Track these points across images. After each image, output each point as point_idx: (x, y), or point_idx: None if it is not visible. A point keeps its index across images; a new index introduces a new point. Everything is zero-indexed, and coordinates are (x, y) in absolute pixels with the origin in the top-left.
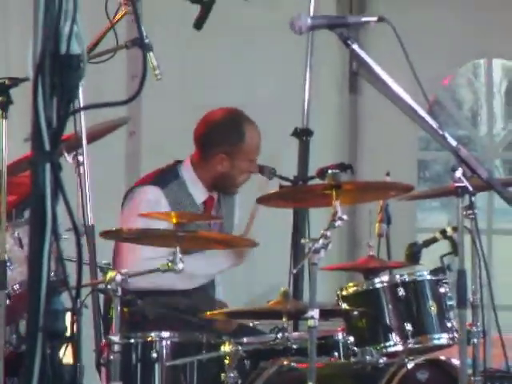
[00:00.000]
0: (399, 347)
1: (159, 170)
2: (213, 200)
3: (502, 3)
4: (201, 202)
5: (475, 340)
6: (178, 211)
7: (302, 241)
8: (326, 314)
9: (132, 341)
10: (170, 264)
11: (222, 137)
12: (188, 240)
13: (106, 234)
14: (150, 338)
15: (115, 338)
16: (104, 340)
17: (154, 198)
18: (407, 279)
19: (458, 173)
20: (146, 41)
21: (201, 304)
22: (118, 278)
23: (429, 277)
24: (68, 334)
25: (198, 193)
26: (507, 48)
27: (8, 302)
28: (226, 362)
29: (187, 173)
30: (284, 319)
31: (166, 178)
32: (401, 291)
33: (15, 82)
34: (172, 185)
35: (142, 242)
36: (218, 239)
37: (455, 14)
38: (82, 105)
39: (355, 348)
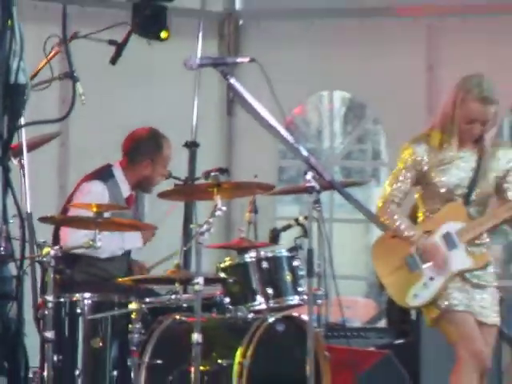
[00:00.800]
0: (263, 306)
1: (98, 169)
2: (132, 196)
3: (339, 46)
4: (125, 197)
5: (319, 301)
6: (99, 203)
7: (191, 226)
8: (208, 281)
9: (62, 300)
10: (91, 242)
11: (147, 148)
12: (105, 224)
13: (43, 219)
14: (75, 298)
15: (49, 298)
16: (40, 299)
17: (100, 190)
18: (269, 255)
19: (309, 176)
20: (75, 74)
21: (116, 271)
22: (52, 252)
23: (285, 254)
24: (14, 294)
25: (124, 190)
26: (344, 82)
27: None
28: (133, 316)
29: (118, 174)
30: (177, 284)
31: (105, 176)
32: (264, 264)
33: None
34: (110, 181)
35: (71, 225)
36: (129, 224)
37: (305, 54)
38: (24, 122)
39: (230, 306)
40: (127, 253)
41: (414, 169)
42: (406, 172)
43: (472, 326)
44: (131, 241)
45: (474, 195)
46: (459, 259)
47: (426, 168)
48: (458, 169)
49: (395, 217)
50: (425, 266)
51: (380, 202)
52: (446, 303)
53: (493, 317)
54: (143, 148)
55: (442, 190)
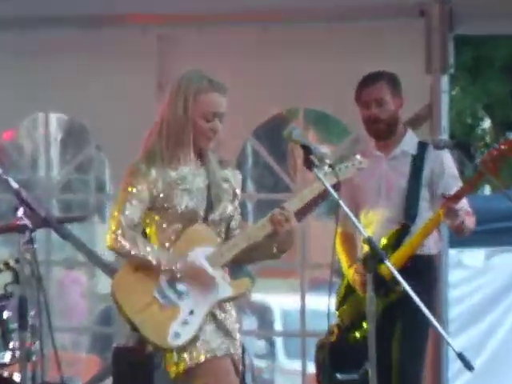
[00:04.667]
0: None
1: None
2: None
3: (57, 59)
4: None
5: (34, 357)
6: None
7: None
8: None
9: None
10: None
11: None
12: None
13: None
14: None
15: None
16: None
17: None
18: None
19: (20, 212)
20: None
21: None
22: None
23: None
24: None
25: None
26: (60, 102)
27: None
28: None
29: None
30: None
31: None
32: None
33: None
34: None
35: None
36: None
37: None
38: None
39: None
40: None
41: (148, 191)
42: (136, 195)
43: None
44: None
45: (212, 218)
46: (220, 288)
47: (160, 190)
48: (194, 189)
49: (132, 242)
50: (180, 297)
51: (110, 233)
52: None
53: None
54: None
55: (180, 213)
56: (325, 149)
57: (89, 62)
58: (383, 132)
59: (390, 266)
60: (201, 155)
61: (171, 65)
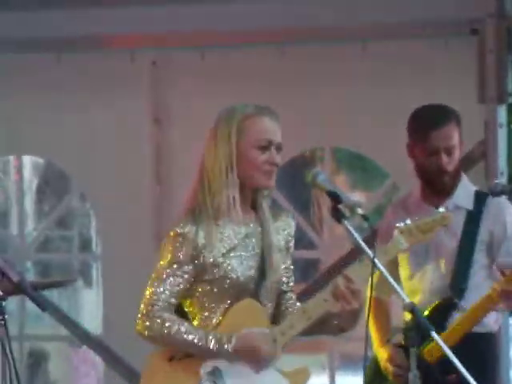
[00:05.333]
0: None
1: None
2: None
3: (28, 92)
4: None
5: None
6: None
7: None
8: None
9: None
10: None
11: None
12: None
13: None
14: None
15: None
16: None
17: None
18: None
19: None
20: None
21: None
22: None
23: None
24: None
25: None
26: (35, 143)
27: None
28: None
29: None
30: None
31: None
32: None
33: None
34: None
35: None
36: None
37: None
38: None
39: None
40: None
41: (191, 261)
42: (178, 267)
43: None
44: None
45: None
46: (274, 382)
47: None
48: (246, 251)
49: (169, 322)
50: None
51: (141, 316)
52: None
53: None
54: None
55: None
56: (357, 196)
57: (67, 94)
58: (448, 186)
59: (438, 340)
60: (252, 203)
61: (169, 96)
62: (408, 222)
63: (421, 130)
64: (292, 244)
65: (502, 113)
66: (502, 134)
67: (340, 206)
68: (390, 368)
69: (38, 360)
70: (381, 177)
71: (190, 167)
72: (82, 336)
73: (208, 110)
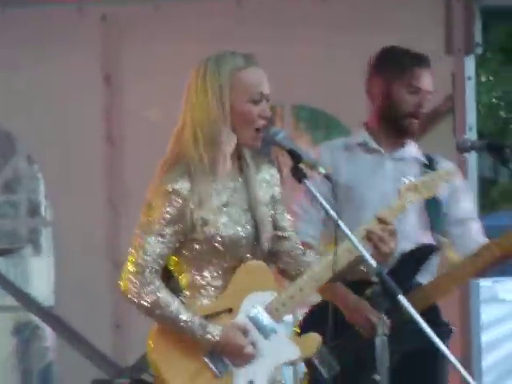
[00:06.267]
0: None
1: None
2: None
3: None
4: None
5: None
6: None
7: None
8: None
9: None
10: None
11: None
12: None
13: None
14: None
15: None
16: None
17: None
18: None
19: None
20: None
21: None
22: None
23: None
24: None
25: None
26: None
27: None
28: None
29: None
30: None
31: None
32: None
33: None
34: None
35: None
36: None
37: None
38: None
39: None
40: None
41: (181, 219)
42: (167, 225)
43: None
44: None
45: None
46: (283, 348)
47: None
48: (236, 207)
49: (161, 296)
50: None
51: (125, 276)
52: None
53: None
54: None
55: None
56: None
57: (12, 51)
58: (412, 132)
59: (405, 304)
60: (238, 158)
61: (121, 51)
62: (412, 179)
63: (405, 64)
64: (278, 192)
65: (470, 64)
66: (470, 87)
67: (300, 165)
68: (374, 318)
69: None
70: (343, 135)
71: (143, 126)
72: (31, 306)
73: (161, 66)
